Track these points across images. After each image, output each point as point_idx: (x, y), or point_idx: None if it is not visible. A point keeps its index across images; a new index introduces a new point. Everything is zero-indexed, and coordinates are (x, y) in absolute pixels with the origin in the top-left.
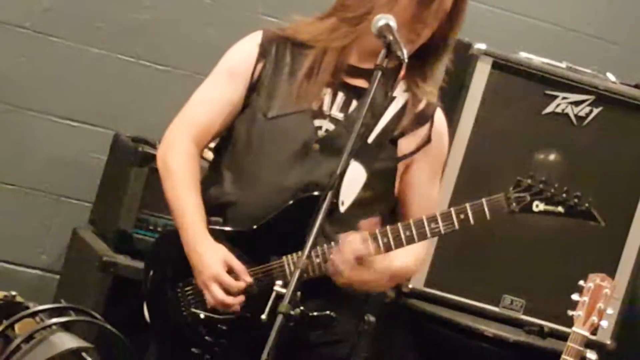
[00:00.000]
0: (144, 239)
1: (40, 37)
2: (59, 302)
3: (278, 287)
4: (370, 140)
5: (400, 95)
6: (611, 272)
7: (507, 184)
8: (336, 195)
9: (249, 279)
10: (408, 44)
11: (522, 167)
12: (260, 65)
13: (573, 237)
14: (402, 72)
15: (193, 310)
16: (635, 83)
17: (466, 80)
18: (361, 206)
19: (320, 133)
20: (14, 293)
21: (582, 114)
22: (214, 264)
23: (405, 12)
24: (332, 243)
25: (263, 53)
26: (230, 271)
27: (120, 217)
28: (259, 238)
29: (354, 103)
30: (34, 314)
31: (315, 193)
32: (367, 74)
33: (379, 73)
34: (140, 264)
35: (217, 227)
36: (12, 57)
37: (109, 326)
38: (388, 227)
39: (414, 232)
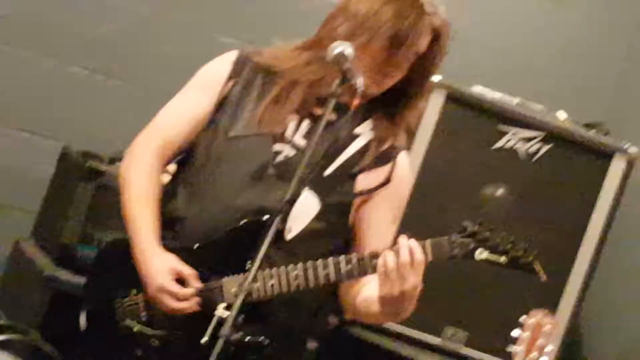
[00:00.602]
0: (88, 255)
1: None
2: None
3: (220, 310)
4: (327, 172)
5: (365, 133)
6: (553, 309)
7: (454, 216)
8: (283, 221)
9: (198, 284)
10: (375, 85)
11: (471, 200)
12: (230, 84)
13: (517, 271)
14: (356, 101)
15: (127, 323)
16: (586, 122)
17: None
18: (312, 236)
19: (279, 158)
20: None
21: (531, 150)
22: (160, 275)
23: (378, 54)
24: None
25: (235, 72)
26: (180, 278)
27: (64, 231)
28: (202, 257)
29: (318, 132)
30: None
31: (263, 218)
32: (336, 107)
33: (333, 100)
34: (82, 280)
35: (165, 243)
36: None
37: (45, 346)
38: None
39: (354, 266)
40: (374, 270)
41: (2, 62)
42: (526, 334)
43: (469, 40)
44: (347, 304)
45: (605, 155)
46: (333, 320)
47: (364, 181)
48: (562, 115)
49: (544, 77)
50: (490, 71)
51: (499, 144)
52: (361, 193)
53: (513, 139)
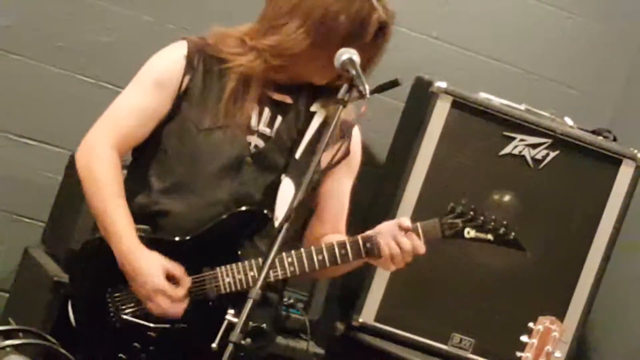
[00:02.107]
0: None
1: None
2: (7, 320)
3: (230, 316)
4: (297, 155)
5: (319, 111)
6: (561, 315)
7: None
8: (272, 211)
9: (189, 282)
10: (323, 79)
11: (477, 207)
12: (187, 77)
13: (525, 278)
14: (364, 108)
15: (123, 316)
16: (593, 129)
17: (425, 118)
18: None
19: (252, 148)
20: None
21: (538, 156)
22: (156, 276)
23: (331, 52)
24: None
25: (190, 65)
26: (169, 277)
27: (73, 239)
28: (193, 249)
29: (279, 118)
30: None
31: (245, 208)
32: (290, 90)
33: (341, 107)
34: None
35: (149, 236)
36: None
37: (63, 350)
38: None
39: (349, 251)
40: (367, 253)
41: (8, 71)
42: (534, 341)
43: (474, 48)
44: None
45: (613, 162)
46: (340, 326)
47: (327, 157)
48: (568, 122)
49: (549, 85)
50: (496, 78)
51: (505, 151)
52: (327, 168)
53: (520, 145)
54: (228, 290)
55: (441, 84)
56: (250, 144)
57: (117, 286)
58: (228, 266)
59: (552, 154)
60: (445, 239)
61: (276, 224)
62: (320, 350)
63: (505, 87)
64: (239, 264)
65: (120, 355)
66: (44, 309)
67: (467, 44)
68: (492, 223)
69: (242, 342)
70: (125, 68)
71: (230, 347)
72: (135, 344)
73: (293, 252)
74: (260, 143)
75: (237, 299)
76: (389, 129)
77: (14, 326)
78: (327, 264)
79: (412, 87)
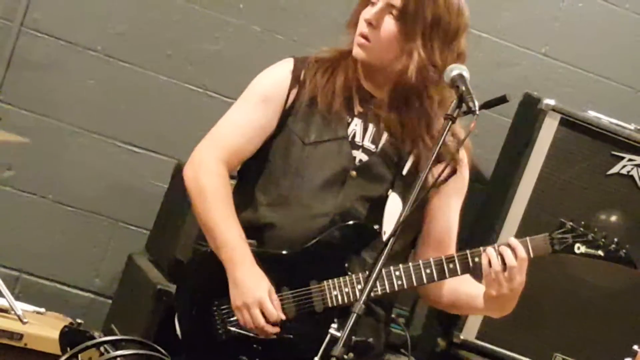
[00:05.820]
0: None
1: (110, 61)
2: (110, 327)
3: (333, 330)
4: (404, 172)
5: None
6: None
7: None
8: (380, 225)
9: (283, 316)
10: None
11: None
12: (294, 92)
13: (630, 300)
14: (473, 124)
15: (230, 328)
16: None
17: (533, 134)
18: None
19: (357, 162)
20: (79, 321)
21: None
22: (262, 290)
23: None
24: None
25: (296, 80)
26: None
27: (177, 247)
28: (300, 261)
29: (385, 135)
30: (98, 345)
31: (354, 222)
32: None
33: (450, 123)
34: None
35: (257, 249)
36: (81, 79)
37: None
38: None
39: (458, 265)
40: (474, 267)
41: (118, 78)
42: None
43: (584, 66)
44: (432, 294)
45: None
46: (441, 343)
47: (433, 174)
48: None
49: None
50: (605, 97)
51: (613, 170)
52: (434, 186)
53: (628, 165)
54: (335, 303)
55: (549, 101)
56: (355, 158)
57: (224, 298)
58: (335, 280)
59: None
60: (554, 253)
61: (384, 237)
62: None
63: (614, 105)
64: (347, 277)
65: None
66: (146, 316)
67: (576, 61)
68: (603, 239)
69: (345, 356)
70: (232, 78)
71: None
72: (242, 357)
73: (401, 265)
74: (365, 158)
75: (344, 312)
76: (495, 145)
77: (123, 336)
78: (436, 277)
79: (520, 103)
